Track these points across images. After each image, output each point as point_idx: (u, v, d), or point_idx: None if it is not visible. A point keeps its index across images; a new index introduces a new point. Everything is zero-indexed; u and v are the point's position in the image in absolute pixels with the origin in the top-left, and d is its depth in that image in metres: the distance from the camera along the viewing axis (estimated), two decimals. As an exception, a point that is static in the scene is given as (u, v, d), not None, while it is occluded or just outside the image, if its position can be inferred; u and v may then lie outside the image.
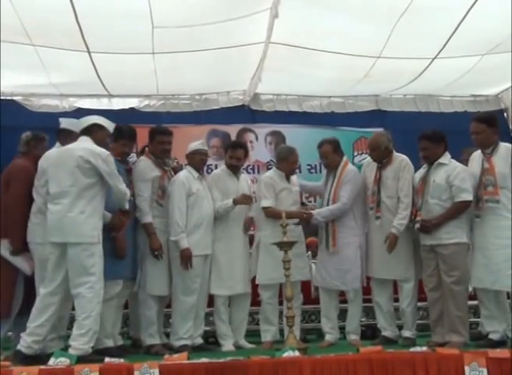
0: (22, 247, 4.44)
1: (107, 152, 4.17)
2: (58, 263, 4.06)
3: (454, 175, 4.56)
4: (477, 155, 4.67)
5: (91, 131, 4.22)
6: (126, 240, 4.49)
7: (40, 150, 4.58)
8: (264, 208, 4.96)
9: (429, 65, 6.39)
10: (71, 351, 3.93)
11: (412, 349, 3.80)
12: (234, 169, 5.09)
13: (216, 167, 6.37)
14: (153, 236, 4.63)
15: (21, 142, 4.73)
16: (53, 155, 4.28)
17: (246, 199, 4.91)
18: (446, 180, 4.58)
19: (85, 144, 4.17)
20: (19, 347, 4.04)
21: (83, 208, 4.04)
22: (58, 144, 4.50)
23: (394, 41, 5.80)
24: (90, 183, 4.08)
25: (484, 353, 3.61)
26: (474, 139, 4.62)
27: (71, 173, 4.07)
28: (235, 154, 5.06)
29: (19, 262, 4.45)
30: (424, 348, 3.76)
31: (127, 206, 4.36)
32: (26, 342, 4.01)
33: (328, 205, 4.93)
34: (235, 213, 4.94)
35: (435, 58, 6.24)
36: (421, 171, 4.79)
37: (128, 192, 4.31)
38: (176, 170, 4.99)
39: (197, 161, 4.91)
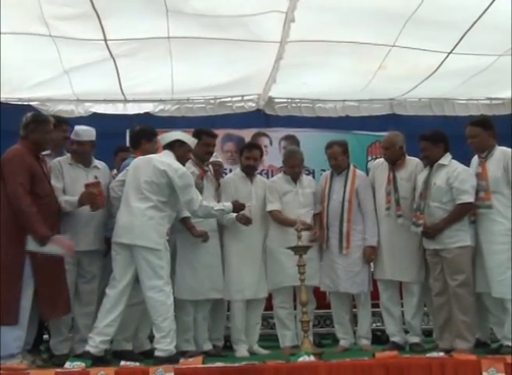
0: (46, 234, 3.99)
1: (184, 169, 4.34)
2: (126, 264, 4.18)
3: (454, 176, 4.52)
4: (475, 160, 4.64)
5: (174, 146, 4.42)
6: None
7: (40, 133, 4.21)
8: (269, 212, 4.96)
9: (445, 59, 6.28)
10: (157, 353, 4.06)
11: (429, 354, 3.77)
12: (250, 171, 5.07)
13: (231, 171, 6.36)
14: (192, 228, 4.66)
15: (21, 125, 4.26)
16: (136, 162, 4.40)
17: (242, 220, 4.76)
18: (446, 183, 4.54)
19: (167, 158, 4.35)
20: (87, 347, 4.09)
21: (153, 215, 4.19)
22: None
23: (409, 31, 5.68)
24: (163, 194, 4.25)
25: (502, 359, 3.57)
26: (469, 143, 4.59)
27: (148, 183, 4.24)
28: (252, 154, 5.05)
29: (47, 249, 3.98)
30: (441, 354, 3.73)
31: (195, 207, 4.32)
32: (94, 342, 4.08)
33: (342, 206, 4.88)
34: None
35: (450, 52, 6.14)
36: (424, 173, 4.75)
37: (195, 197, 4.32)
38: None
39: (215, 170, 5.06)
